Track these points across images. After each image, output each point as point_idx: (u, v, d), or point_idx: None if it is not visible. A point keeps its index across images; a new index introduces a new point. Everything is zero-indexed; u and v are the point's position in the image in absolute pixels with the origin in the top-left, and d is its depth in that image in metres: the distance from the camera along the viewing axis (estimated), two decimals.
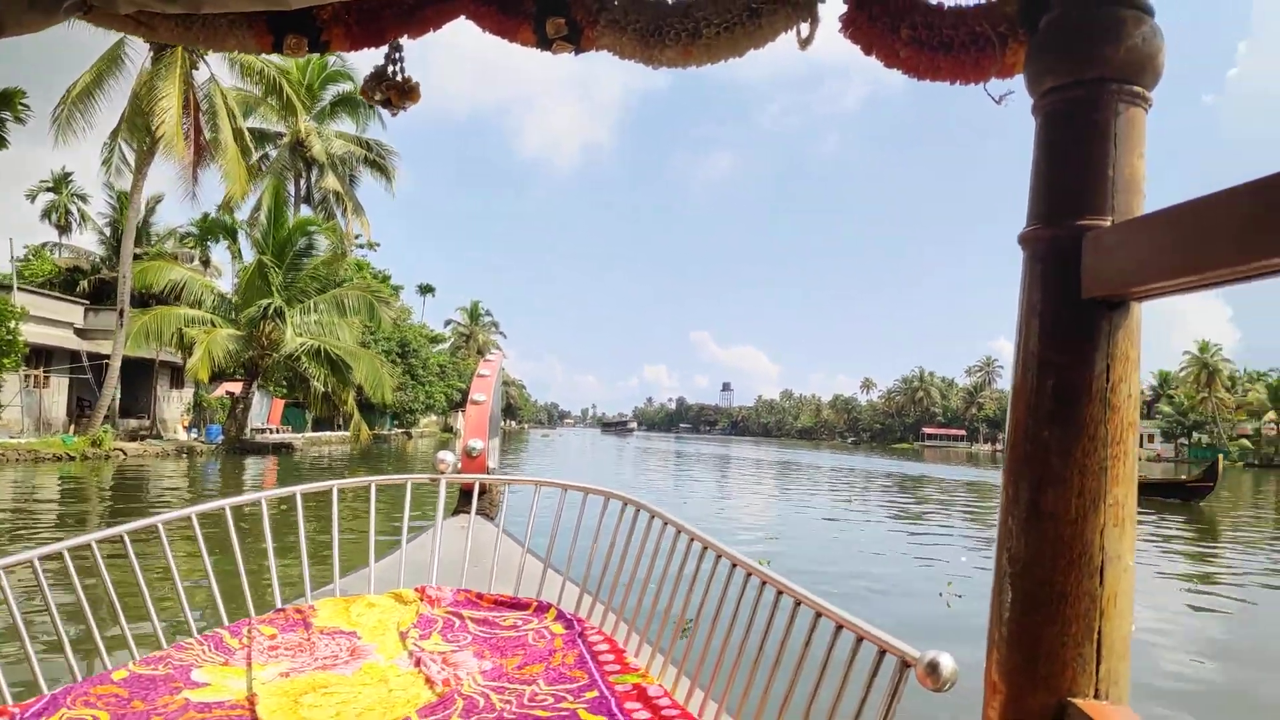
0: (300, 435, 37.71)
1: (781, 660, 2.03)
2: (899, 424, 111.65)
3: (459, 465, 4.14)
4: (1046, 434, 1.12)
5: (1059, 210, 1.14)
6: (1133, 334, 1.11)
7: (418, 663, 2.61)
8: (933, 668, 1.60)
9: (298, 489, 3.38)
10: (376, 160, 41.18)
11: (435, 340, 62.00)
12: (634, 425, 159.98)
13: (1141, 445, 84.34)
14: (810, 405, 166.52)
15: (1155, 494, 23.30)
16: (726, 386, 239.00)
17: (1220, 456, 23.08)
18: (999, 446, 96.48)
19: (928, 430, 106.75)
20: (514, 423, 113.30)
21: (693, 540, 2.77)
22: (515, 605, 3.35)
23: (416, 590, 3.33)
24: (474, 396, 7.26)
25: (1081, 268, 1.10)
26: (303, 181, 39.08)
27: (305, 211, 36.58)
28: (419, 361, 50.14)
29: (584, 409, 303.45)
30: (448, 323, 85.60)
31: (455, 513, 4.54)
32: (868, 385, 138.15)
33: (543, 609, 3.31)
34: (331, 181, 39.06)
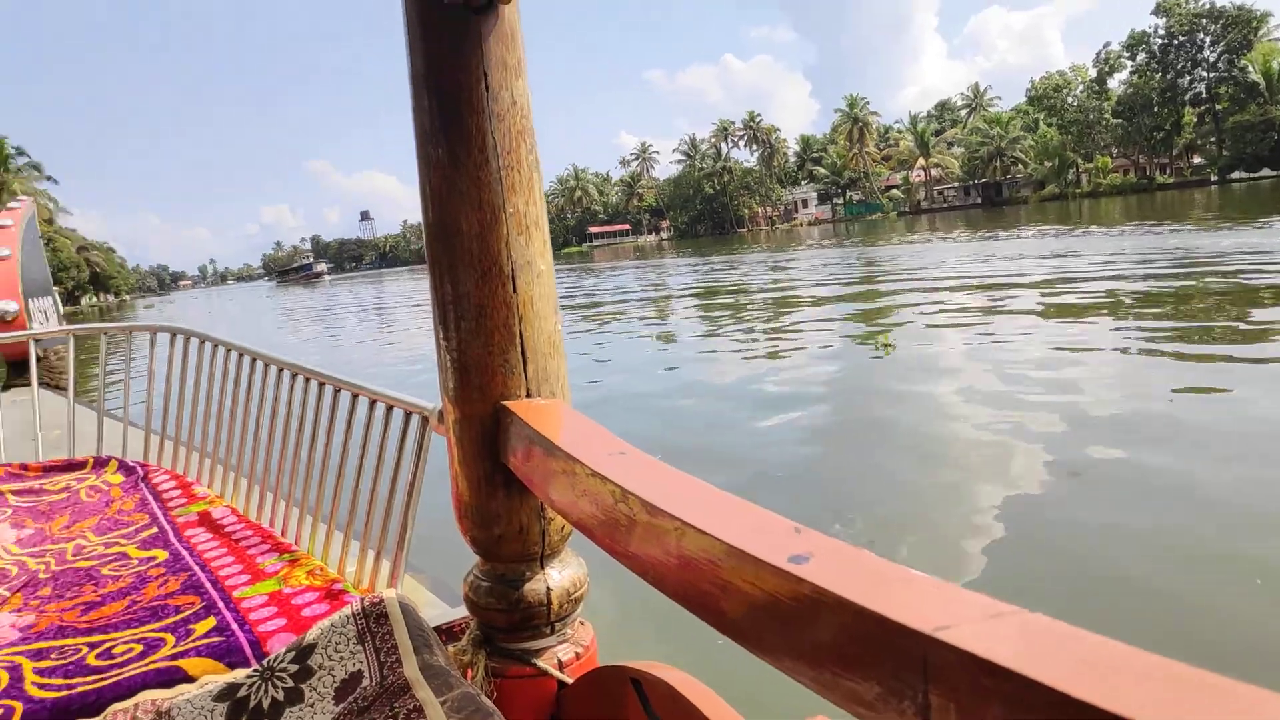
0: None
1: (332, 443, 2.36)
2: (561, 228, 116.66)
3: None
4: (441, 151, 1.28)
5: None
6: (507, 38, 1.29)
7: None
8: (442, 415, 1.90)
9: None
10: None
11: None
12: (323, 268, 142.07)
13: (798, 210, 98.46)
14: None
15: None
16: (365, 216, 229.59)
17: None
18: (664, 235, 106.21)
19: (593, 229, 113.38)
20: (110, 296, 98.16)
21: (241, 355, 3.00)
22: (69, 467, 3.60)
23: None
24: None
25: None
26: None
27: None
28: None
29: (201, 266, 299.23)
30: None
31: (8, 386, 4.61)
32: None
33: (101, 464, 3.60)
34: None
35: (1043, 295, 13.39)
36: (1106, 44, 77.66)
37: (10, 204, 7.24)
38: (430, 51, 1.26)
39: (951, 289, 15.70)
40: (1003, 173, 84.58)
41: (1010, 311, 12.12)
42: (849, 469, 5.97)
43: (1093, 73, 79.26)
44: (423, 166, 1.32)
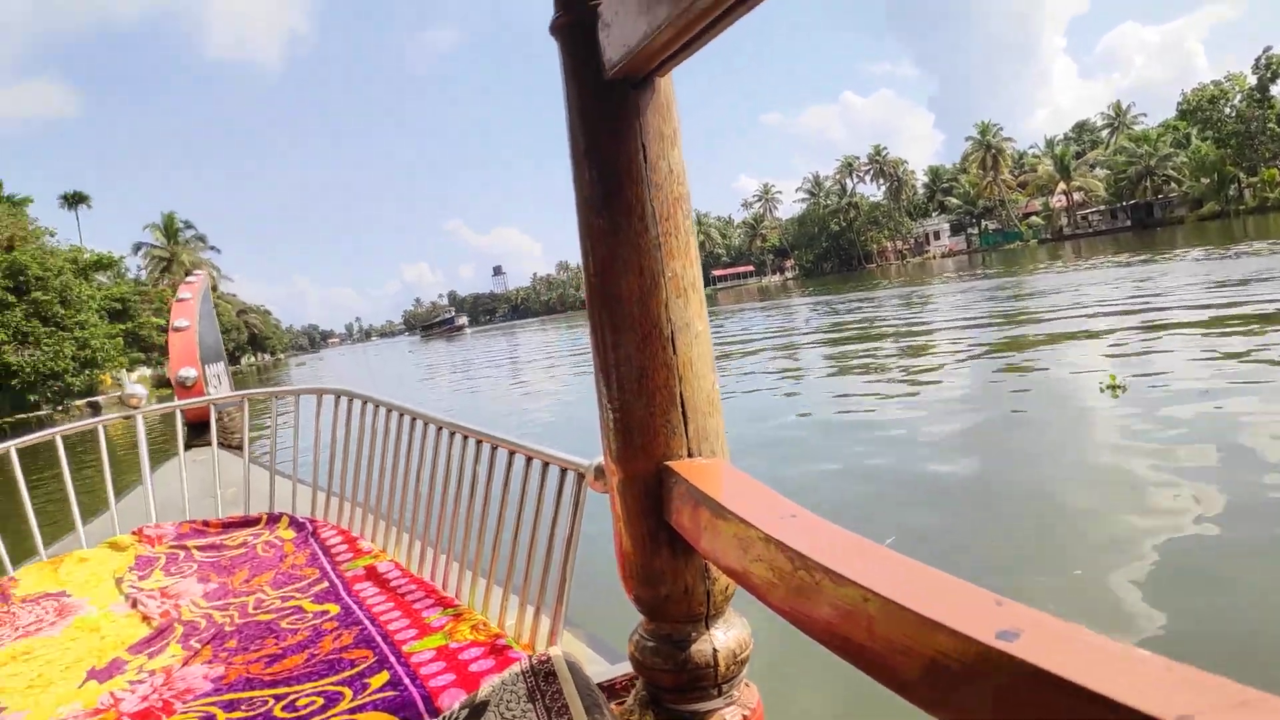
0: None
1: (490, 499, 2.44)
2: None
3: (144, 396, 4.16)
4: (602, 221, 1.34)
5: None
6: (663, 109, 1.34)
7: (134, 604, 2.91)
8: (599, 472, 1.95)
9: None
10: None
11: (100, 266, 49.06)
12: (464, 321, 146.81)
13: (930, 243, 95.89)
14: None
15: None
16: (498, 270, 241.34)
17: None
18: (788, 275, 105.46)
19: (716, 272, 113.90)
20: (266, 356, 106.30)
21: (402, 415, 3.14)
22: (245, 523, 3.87)
23: (133, 533, 3.71)
24: (175, 323, 6.93)
25: (600, 49, 1.29)
26: None
27: None
28: (52, 296, 36.75)
29: (348, 324, 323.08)
30: (138, 247, 78.88)
31: (189, 447, 4.93)
32: None
33: (274, 520, 3.84)
34: None
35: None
36: (1267, 48, 72.20)
37: (188, 278, 7.98)
38: (591, 126, 1.32)
39: (1154, 322, 13.64)
40: (1154, 193, 79.64)
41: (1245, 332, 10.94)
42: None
43: (1252, 80, 73.92)
44: (585, 235, 1.38)
